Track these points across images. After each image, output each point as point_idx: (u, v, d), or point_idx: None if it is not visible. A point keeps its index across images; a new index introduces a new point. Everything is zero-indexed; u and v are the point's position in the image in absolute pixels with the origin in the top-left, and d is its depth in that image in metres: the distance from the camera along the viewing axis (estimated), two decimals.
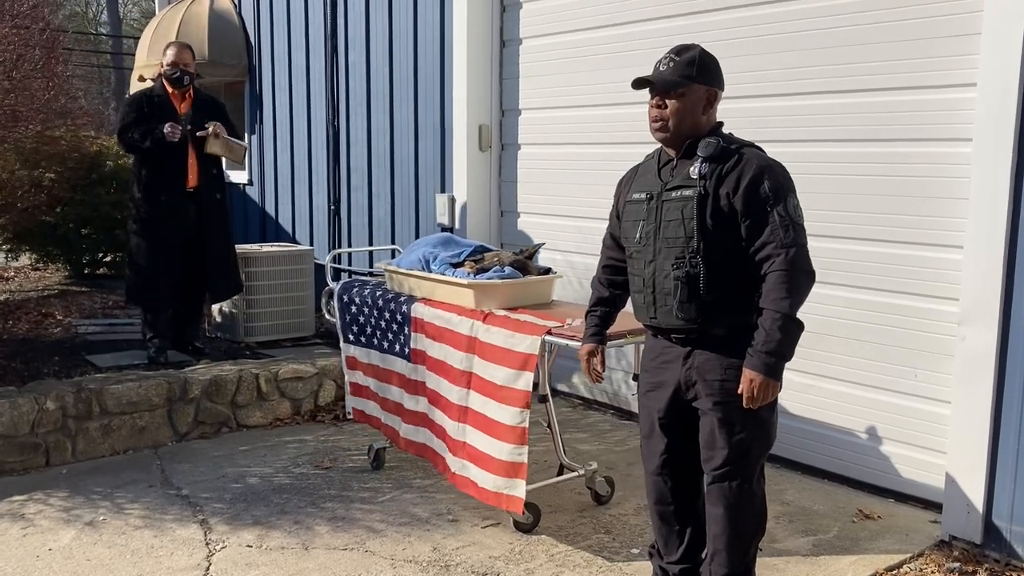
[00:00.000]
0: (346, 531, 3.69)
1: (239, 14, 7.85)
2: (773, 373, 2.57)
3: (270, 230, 7.76)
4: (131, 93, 7.64)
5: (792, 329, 2.58)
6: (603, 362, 3.16)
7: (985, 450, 3.42)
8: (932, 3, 3.67)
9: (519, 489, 3.51)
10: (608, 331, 3.52)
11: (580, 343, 3.48)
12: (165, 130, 5.14)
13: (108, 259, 8.69)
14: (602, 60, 5.06)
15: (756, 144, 2.80)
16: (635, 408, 4.98)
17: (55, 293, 7.61)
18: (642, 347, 3.13)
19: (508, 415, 3.54)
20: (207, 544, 3.58)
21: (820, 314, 4.01)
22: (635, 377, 3.51)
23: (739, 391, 2.64)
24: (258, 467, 4.44)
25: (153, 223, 5.30)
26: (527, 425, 3.52)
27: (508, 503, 3.56)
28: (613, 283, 3.12)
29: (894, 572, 3.35)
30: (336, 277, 4.90)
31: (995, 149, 3.34)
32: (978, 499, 3.45)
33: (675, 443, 2.91)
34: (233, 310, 6.02)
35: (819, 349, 4.10)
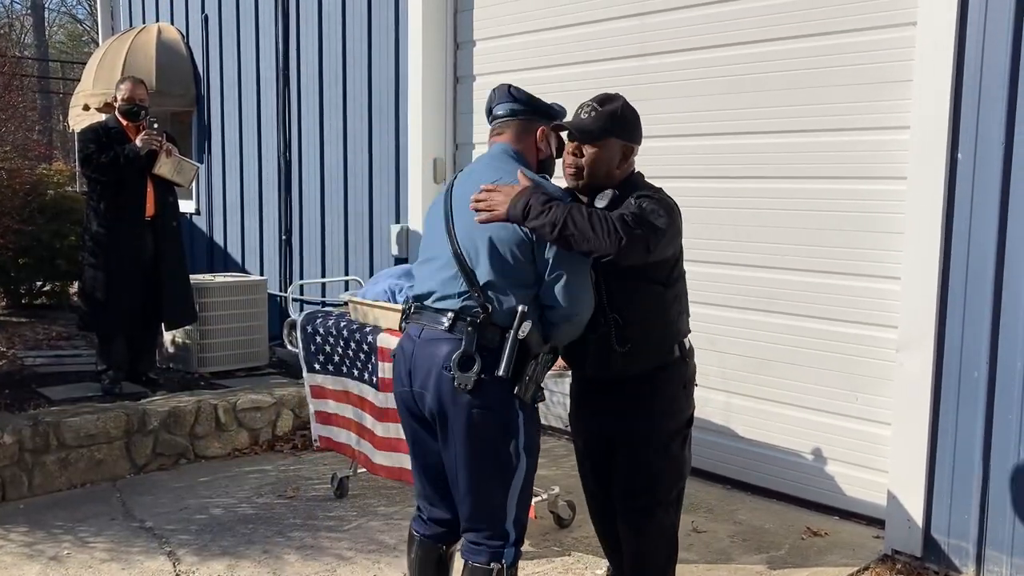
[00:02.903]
0: (316, 559, 3.75)
1: (187, 44, 7.86)
2: (514, 208, 2.48)
3: (218, 260, 7.74)
4: (75, 122, 7.57)
5: (557, 217, 2.44)
6: None
7: (923, 469, 3.66)
8: (869, 51, 3.93)
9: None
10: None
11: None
12: (140, 140, 5.24)
13: (47, 288, 8.55)
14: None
15: (661, 189, 2.75)
16: None
17: None
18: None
19: None
20: (177, 575, 3.61)
21: (766, 341, 4.23)
22: None
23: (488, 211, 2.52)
24: (221, 498, 4.46)
25: (111, 252, 5.31)
26: None
27: None
28: None
29: None
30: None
31: (927, 187, 3.60)
32: (918, 515, 3.68)
33: (601, 474, 3.03)
34: (187, 340, 6.01)
35: (766, 374, 4.31)
